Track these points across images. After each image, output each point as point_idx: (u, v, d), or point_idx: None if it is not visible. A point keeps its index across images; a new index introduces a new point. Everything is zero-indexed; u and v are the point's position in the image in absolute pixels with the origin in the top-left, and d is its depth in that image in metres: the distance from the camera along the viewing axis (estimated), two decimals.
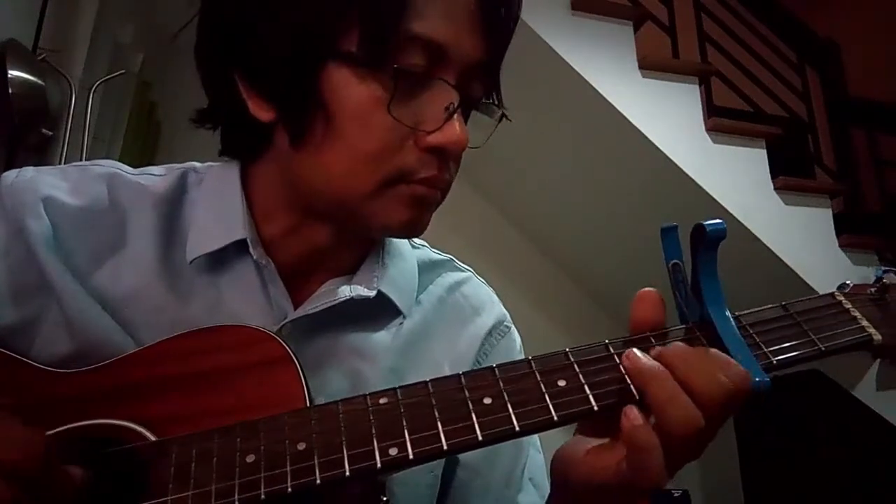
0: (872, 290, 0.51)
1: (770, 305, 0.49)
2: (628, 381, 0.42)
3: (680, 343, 0.43)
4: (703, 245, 0.45)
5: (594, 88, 2.33)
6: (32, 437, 0.36)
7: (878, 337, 0.48)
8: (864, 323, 0.49)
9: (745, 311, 0.48)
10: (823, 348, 0.47)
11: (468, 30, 0.49)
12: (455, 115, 0.49)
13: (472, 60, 0.50)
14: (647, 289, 0.46)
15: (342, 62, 0.48)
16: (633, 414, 0.40)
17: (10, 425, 0.36)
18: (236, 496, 0.38)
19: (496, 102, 0.55)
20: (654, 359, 0.42)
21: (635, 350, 0.43)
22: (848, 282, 0.51)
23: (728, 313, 0.45)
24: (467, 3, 0.49)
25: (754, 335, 0.46)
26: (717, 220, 0.44)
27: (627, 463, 0.40)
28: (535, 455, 0.64)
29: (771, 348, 0.46)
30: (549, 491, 0.52)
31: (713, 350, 0.43)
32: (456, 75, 0.50)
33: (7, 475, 0.34)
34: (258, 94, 0.52)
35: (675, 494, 2.67)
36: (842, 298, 0.50)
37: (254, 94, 0.52)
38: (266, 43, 0.50)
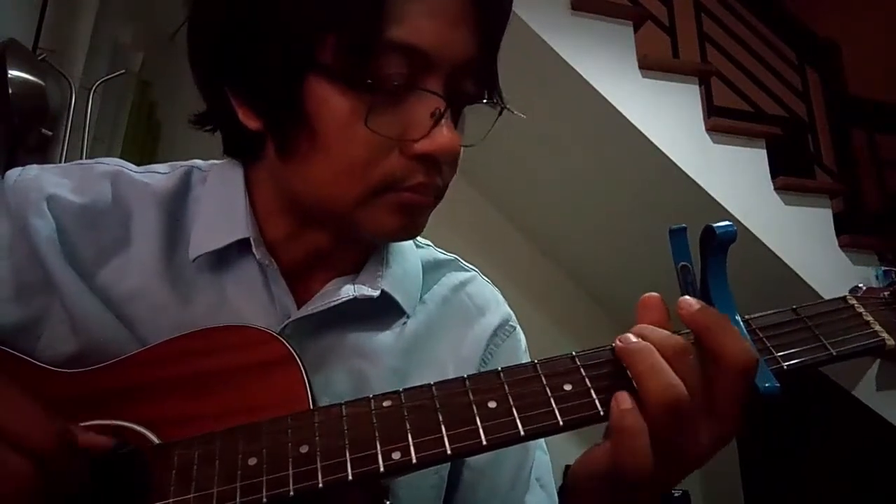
0: (885, 294, 0.51)
1: (780, 309, 0.48)
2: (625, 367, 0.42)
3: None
4: (713, 248, 0.45)
5: (594, 88, 2.33)
6: (53, 416, 0.36)
7: (891, 342, 0.47)
8: (877, 327, 0.48)
9: (756, 315, 0.47)
10: (835, 353, 0.46)
11: (456, 27, 0.47)
12: (443, 120, 0.48)
13: (462, 59, 0.48)
14: (649, 294, 0.46)
15: (321, 75, 0.47)
16: (622, 397, 0.41)
17: (31, 404, 0.36)
18: (238, 499, 0.38)
19: (495, 99, 0.53)
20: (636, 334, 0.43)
21: (628, 333, 0.43)
22: (860, 285, 0.51)
23: (738, 317, 0.45)
24: (454, 1, 0.47)
25: (764, 339, 0.46)
26: (727, 223, 0.44)
27: (612, 448, 0.41)
28: (541, 456, 0.64)
29: (781, 353, 0.45)
30: (555, 491, 0.52)
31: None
32: (443, 78, 0.48)
33: (26, 452, 0.34)
34: (246, 105, 0.51)
35: (676, 495, 2.67)
36: (854, 302, 0.50)
37: (242, 104, 0.51)
38: (247, 56, 0.49)
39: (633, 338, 0.43)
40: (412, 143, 0.48)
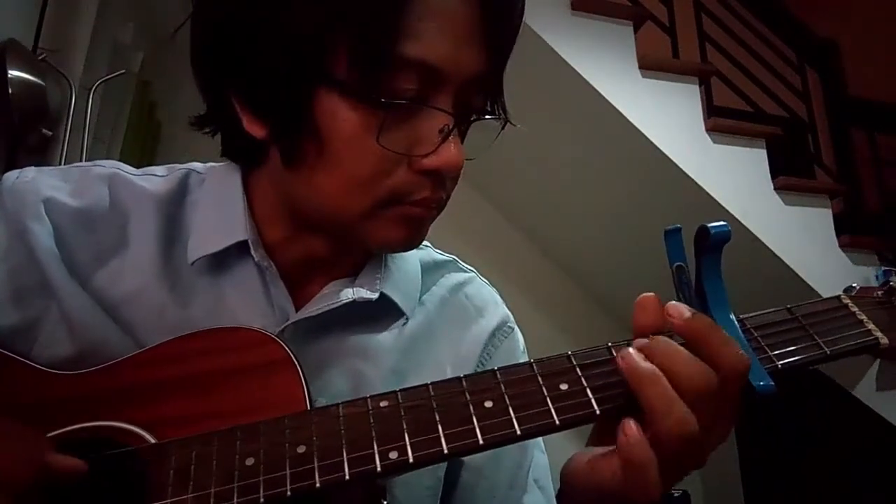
0: (879, 293, 0.51)
1: (775, 308, 0.48)
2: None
3: (664, 338, 0.43)
4: (707, 248, 0.45)
5: (594, 88, 2.33)
6: (31, 453, 0.35)
7: (885, 341, 0.47)
8: (871, 326, 0.48)
9: (750, 315, 0.47)
10: (829, 352, 0.46)
11: (468, 44, 0.47)
12: (451, 136, 0.48)
13: (472, 75, 0.48)
14: (646, 294, 0.45)
15: (332, 88, 0.46)
16: (630, 430, 0.40)
17: (9, 439, 0.35)
18: (235, 499, 0.38)
19: (499, 112, 0.54)
20: (644, 353, 0.42)
21: (630, 350, 0.42)
22: (854, 284, 0.51)
23: (732, 317, 0.45)
24: (466, 16, 0.47)
25: (759, 339, 0.46)
26: (722, 223, 0.44)
27: (623, 477, 0.40)
28: (539, 456, 0.64)
29: (775, 352, 0.46)
30: (552, 493, 0.52)
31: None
32: (453, 93, 0.48)
33: (6, 493, 0.34)
34: (251, 112, 0.51)
35: (675, 494, 2.67)
36: (848, 301, 0.50)
37: (247, 111, 0.51)
38: (256, 64, 0.48)
39: (638, 358, 0.41)
40: (420, 158, 0.48)
